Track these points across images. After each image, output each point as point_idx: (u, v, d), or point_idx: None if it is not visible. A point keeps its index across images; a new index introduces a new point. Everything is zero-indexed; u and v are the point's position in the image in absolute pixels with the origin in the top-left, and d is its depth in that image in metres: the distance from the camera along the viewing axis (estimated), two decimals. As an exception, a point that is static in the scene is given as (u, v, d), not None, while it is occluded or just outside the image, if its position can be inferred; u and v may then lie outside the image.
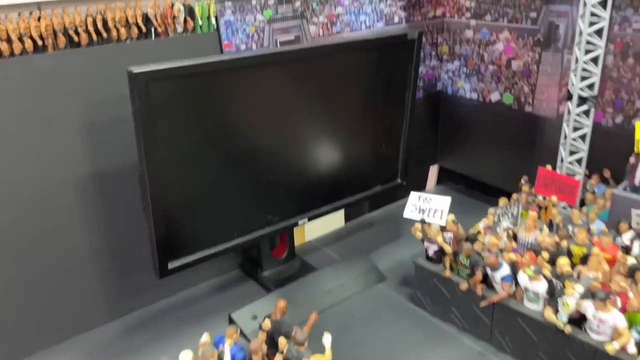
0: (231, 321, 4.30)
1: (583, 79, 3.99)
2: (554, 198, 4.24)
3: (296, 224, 4.38)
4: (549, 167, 4.62)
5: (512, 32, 5.05)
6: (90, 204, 4.04)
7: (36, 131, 3.69)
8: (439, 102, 6.02)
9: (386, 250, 5.26)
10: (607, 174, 4.56)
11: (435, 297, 4.26)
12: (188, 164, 3.57)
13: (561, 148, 4.34)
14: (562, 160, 4.37)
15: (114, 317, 4.42)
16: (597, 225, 4.26)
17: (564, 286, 3.56)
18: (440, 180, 6.52)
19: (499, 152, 5.57)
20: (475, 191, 6.14)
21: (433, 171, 6.37)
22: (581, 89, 4.01)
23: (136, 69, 3.07)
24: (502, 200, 4.59)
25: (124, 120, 3.81)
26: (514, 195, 4.74)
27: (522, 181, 4.79)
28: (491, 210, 4.48)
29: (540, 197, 4.47)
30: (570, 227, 4.15)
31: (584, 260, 3.84)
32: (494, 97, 5.41)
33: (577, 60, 3.98)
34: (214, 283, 4.90)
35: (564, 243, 3.93)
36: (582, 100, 4.03)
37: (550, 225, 4.44)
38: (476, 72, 5.50)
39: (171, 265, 3.73)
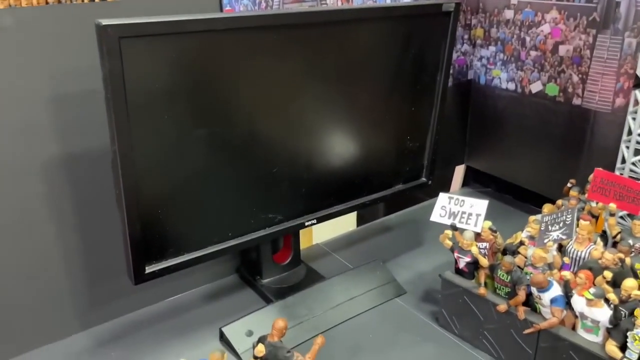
0: (222, 336, 3.64)
1: (658, 61, 3.29)
2: (613, 205, 3.53)
3: (302, 226, 3.70)
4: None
5: (562, 11, 4.35)
6: (58, 193, 3.40)
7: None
8: (469, 93, 5.33)
9: (405, 259, 4.56)
10: (669, 178, 3.86)
11: (465, 318, 3.57)
12: (172, 146, 2.91)
13: (623, 146, 3.64)
14: (623, 161, 3.66)
15: (84, 327, 3.76)
16: (662, 240, 3.57)
17: (631, 314, 2.87)
18: (465, 183, 5.82)
19: (539, 152, 4.87)
20: (507, 196, 5.44)
21: (459, 172, 5.68)
22: (654, 74, 3.31)
23: (105, 22, 2.42)
24: (547, 207, 3.89)
25: (99, 93, 3.21)
26: (559, 202, 4.04)
27: (569, 184, 4.09)
28: (533, 218, 3.78)
29: (593, 204, 3.76)
30: (631, 241, 3.46)
31: (653, 282, 3.15)
32: (536, 87, 4.71)
33: (650, 39, 3.28)
34: (206, 290, 4.23)
35: (627, 260, 3.23)
36: (654, 88, 3.33)
37: (603, 237, 3.74)
38: (515, 59, 4.80)
39: (149, 269, 3.07)
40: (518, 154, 5.09)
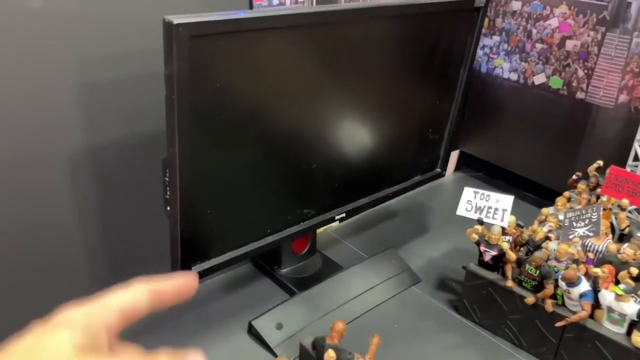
0: (250, 329, 3.63)
1: (680, 67, 3.46)
2: (625, 201, 3.74)
3: (333, 220, 3.71)
4: (599, 162, 4.14)
5: (572, 7, 4.46)
6: (84, 184, 3.23)
7: (18, 91, 2.82)
8: (469, 80, 5.38)
9: (414, 246, 4.65)
10: (668, 174, 4.12)
11: (488, 308, 3.72)
12: (226, 146, 2.82)
13: (636, 145, 3.84)
14: (635, 159, 3.87)
15: (107, 322, 3.65)
16: (664, 233, 3.84)
17: (654, 307, 3.10)
18: (457, 167, 5.97)
19: (538, 140, 5.05)
20: (499, 181, 5.63)
21: (453, 157, 5.81)
22: (675, 79, 3.49)
23: (177, 20, 2.27)
24: (561, 201, 4.06)
25: (127, 82, 3.06)
26: (566, 193, 4.23)
27: (575, 177, 4.28)
28: (545, 210, 3.95)
29: (604, 199, 3.97)
30: (639, 234, 3.70)
31: (666, 275, 3.40)
32: (539, 79, 4.85)
33: (674, 45, 3.44)
34: (222, 280, 4.17)
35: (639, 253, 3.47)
36: (674, 92, 3.52)
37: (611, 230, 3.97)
38: (519, 50, 4.90)
39: (196, 269, 2.99)
40: (515, 141, 5.26)
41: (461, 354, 3.64)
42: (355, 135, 3.62)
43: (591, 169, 4.29)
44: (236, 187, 3.00)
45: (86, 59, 2.97)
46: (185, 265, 2.93)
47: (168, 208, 2.79)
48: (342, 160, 3.60)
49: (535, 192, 5.22)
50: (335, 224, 4.89)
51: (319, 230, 4.78)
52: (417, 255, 4.59)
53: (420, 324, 3.92)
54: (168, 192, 2.73)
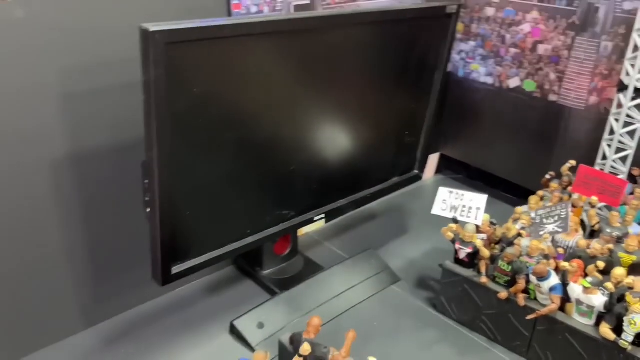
0: (232, 329, 3.71)
1: (642, 69, 3.61)
2: (595, 199, 3.87)
3: (311, 221, 3.81)
4: (572, 162, 4.28)
5: (543, 12, 4.61)
6: (67, 192, 3.31)
7: (2, 100, 2.91)
8: (447, 85, 5.53)
9: (394, 246, 4.77)
10: (636, 172, 4.25)
11: (464, 305, 3.83)
12: (204, 150, 2.92)
13: (604, 144, 3.98)
14: (604, 158, 4.01)
15: (91, 324, 3.72)
16: (634, 229, 3.95)
17: (620, 299, 3.22)
18: (438, 170, 6.10)
19: (513, 142, 5.19)
20: (478, 182, 5.76)
21: (433, 160, 5.93)
22: (638, 80, 3.63)
23: (153, 27, 2.38)
24: (534, 199, 4.20)
25: (109, 91, 3.15)
26: (540, 192, 4.36)
27: (548, 176, 4.41)
28: (519, 209, 4.08)
29: (575, 197, 4.10)
30: (608, 230, 3.83)
31: (633, 269, 3.52)
32: (513, 83, 4.99)
33: (636, 48, 3.58)
34: (205, 282, 4.25)
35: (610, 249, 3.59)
36: (638, 93, 3.66)
37: (581, 226, 4.10)
38: (494, 55, 5.05)
39: (175, 269, 3.08)
40: (492, 144, 5.39)
41: (439, 350, 3.74)
42: (333, 139, 3.72)
43: (564, 168, 4.42)
44: (215, 190, 3.09)
45: (68, 69, 3.05)
46: (165, 266, 3.02)
47: (148, 210, 2.87)
48: (321, 163, 3.70)
49: (513, 193, 5.36)
50: (316, 227, 4.99)
51: (301, 233, 4.88)
52: (397, 255, 4.69)
53: (400, 321, 4.01)
54: (147, 195, 2.81)
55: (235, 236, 3.34)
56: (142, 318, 3.87)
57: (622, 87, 3.72)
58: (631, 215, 3.91)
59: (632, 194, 4.23)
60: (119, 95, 3.19)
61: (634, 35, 3.60)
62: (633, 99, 3.69)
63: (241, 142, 3.05)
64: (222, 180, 3.09)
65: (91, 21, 3.01)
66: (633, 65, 3.62)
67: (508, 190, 5.42)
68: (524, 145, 5.10)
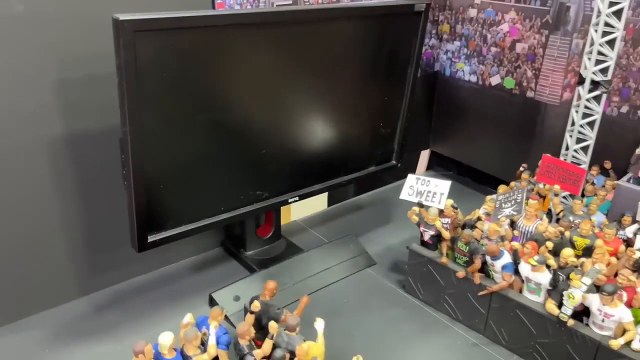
0: (211, 301, 4.02)
1: (597, 62, 3.79)
2: (557, 187, 4.05)
3: (286, 202, 4.11)
4: (547, 155, 4.45)
5: (519, 12, 4.83)
6: (63, 169, 3.70)
7: (3, 86, 3.31)
8: (435, 83, 5.79)
9: (376, 234, 5.03)
10: (607, 165, 4.40)
11: (429, 285, 4.06)
12: (175, 129, 3.26)
13: (567, 135, 4.15)
14: (567, 148, 4.18)
15: (84, 293, 4.10)
16: (598, 218, 4.11)
17: (567, 278, 3.39)
18: (430, 166, 6.32)
19: (496, 138, 5.39)
20: (467, 178, 5.96)
21: (424, 156, 6.16)
22: (594, 73, 3.82)
23: (122, 17, 2.74)
24: (502, 188, 4.41)
25: (102, 78, 3.50)
26: (512, 183, 4.56)
27: (521, 168, 4.61)
28: (489, 197, 4.28)
29: (541, 186, 4.28)
30: (571, 218, 4.00)
31: (587, 251, 3.68)
32: (495, 80, 5.21)
33: (592, 42, 3.77)
34: (193, 261, 4.60)
35: (567, 233, 3.76)
36: (594, 85, 3.84)
37: (549, 214, 4.28)
38: (477, 54, 5.28)
39: (151, 238, 3.43)
40: (478, 140, 5.59)
41: (402, 326, 3.96)
42: (306, 127, 4.00)
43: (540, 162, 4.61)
44: (187, 167, 3.42)
45: (64, 58, 3.43)
46: (142, 234, 3.36)
47: (125, 183, 3.23)
48: (294, 149, 3.99)
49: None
50: (304, 215, 5.28)
51: (288, 220, 5.19)
52: (376, 242, 4.93)
53: (369, 300, 4.25)
54: (124, 169, 3.17)
55: (209, 212, 3.66)
56: (131, 290, 4.22)
57: (581, 80, 3.90)
58: (595, 204, 4.07)
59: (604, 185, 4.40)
60: (110, 82, 3.53)
61: (591, 30, 3.79)
62: (590, 90, 3.86)
63: (211, 124, 3.38)
64: (195, 160, 3.43)
65: (85, 15, 3.37)
66: (590, 59, 3.80)
67: (496, 187, 5.59)
68: (506, 141, 5.29)
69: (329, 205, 5.50)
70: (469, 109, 5.57)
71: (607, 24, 3.69)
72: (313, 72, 3.85)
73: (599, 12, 3.70)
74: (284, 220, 4.95)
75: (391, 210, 5.36)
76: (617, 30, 3.66)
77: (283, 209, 4.68)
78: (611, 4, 3.61)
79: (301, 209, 5.24)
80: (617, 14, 3.66)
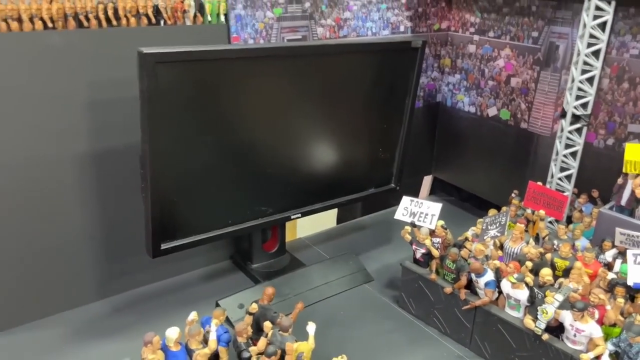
0: (217, 307, 4.36)
1: (578, 97, 4.11)
2: (542, 212, 4.34)
3: (289, 218, 4.46)
4: (539, 183, 4.73)
5: (514, 49, 5.18)
6: (88, 182, 4.13)
7: (40, 105, 3.77)
8: (437, 113, 6.14)
9: (376, 253, 5.34)
10: (595, 193, 4.68)
11: (420, 300, 4.35)
12: (188, 148, 3.67)
13: (552, 164, 4.45)
14: (552, 176, 4.48)
15: (103, 296, 4.49)
16: (582, 242, 4.37)
17: (545, 295, 3.66)
18: (433, 191, 6.62)
19: (493, 166, 5.69)
20: (467, 204, 6.24)
21: (427, 181, 6.48)
22: (575, 107, 4.13)
23: (146, 50, 3.18)
24: (492, 211, 4.70)
25: (126, 101, 3.91)
26: (503, 208, 4.85)
27: (513, 194, 4.90)
28: (480, 220, 4.58)
29: (529, 211, 4.57)
30: (555, 242, 4.26)
31: (567, 272, 3.94)
32: (492, 112, 5.54)
33: (573, 79, 4.10)
34: (203, 272, 4.97)
35: (548, 255, 4.03)
36: (576, 118, 4.15)
37: (537, 239, 4.55)
38: (476, 87, 5.63)
39: (164, 245, 3.80)
40: (476, 167, 5.90)
41: (392, 338, 4.25)
42: (309, 150, 4.38)
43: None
44: (198, 182, 3.82)
45: (92, 83, 3.89)
46: (156, 242, 3.75)
47: (143, 195, 3.63)
48: (298, 169, 4.37)
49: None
50: (309, 232, 5.62)
51: (293, 237, 5.54)
52: (376, 260, 5.25)
53: (363, 313, 4.56)
54: (143, 183, 3.58)
55: (217, 224, 4.04)
56: (147, 295, 4.59)
57: (564, 114, 4.22)
58: (580, 229, 4.34)
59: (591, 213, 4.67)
60: (132, 105, 3.95)
61: (572, 68, 4.12)
62: (571, 123, 4.17)
63: (221, 145, 3.78)
64: (206, 176, 3.82)
65: (112, 46, 3.83)
66: (571, 94, 4.12)
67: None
68: (502, 169, 5.60)
69: (337, 223, 5.83)
70: (468, 138, 5.89)
71: (586, 63, 4.01)
72: (317, 100, 4.25)
73: (579, 51, 4.03)
74: (289, 237, 5.31)
75: (392, 231, 5.66)
76: (595, 68, 3.99)
77: (289, 226, 5.05)
78: (589, 45, 3.95)
79: (310, 226, 5.58)
80: (596, 54, 3.98)
